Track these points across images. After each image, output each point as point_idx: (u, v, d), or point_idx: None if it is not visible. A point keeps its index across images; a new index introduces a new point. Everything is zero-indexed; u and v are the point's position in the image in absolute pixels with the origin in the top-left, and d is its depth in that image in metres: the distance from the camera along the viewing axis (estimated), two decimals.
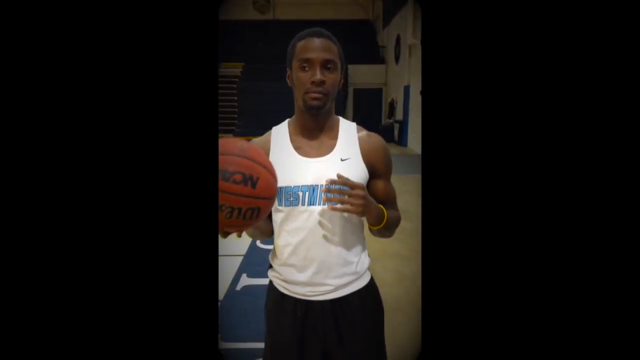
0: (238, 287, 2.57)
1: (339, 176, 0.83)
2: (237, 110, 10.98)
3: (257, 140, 1.00)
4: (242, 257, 3.02)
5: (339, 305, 0.98)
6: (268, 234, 1.02)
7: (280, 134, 0.99)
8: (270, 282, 1.06)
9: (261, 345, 1.08)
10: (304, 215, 0.94)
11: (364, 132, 0.99)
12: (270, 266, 1.06)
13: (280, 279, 1.02)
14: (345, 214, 0.94)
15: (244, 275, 2.72)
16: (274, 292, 1.04)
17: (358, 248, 1.01)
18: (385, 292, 1.07)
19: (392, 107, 11.15)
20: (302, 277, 0.97)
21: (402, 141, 10.02)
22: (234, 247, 3.17)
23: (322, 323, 0.98)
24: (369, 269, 1.05)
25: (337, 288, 0.98)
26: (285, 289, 1.01)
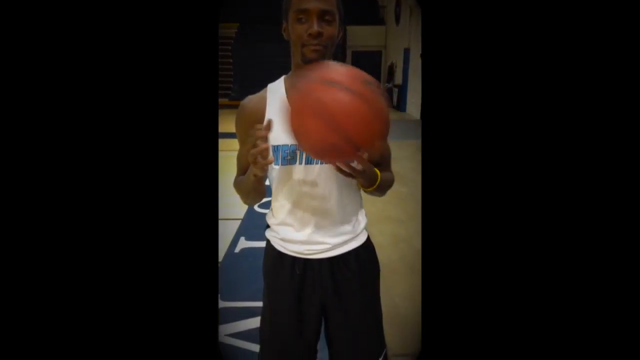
0: (237, 250, 2.63)
1: None
2: (232, 74, 10.77)
3: (252, 97, 0.97)
4: (240, 221, 3.08)
5: (336, 263, 1.00)
6: (262, 194, 1.00)
7: (276, 92, 0.96)
8: (268, 241, 1.07)
9: (260, 304, 1.12)
10: (301, 174, 0.93)
11: None
12: (268, 226, 1.06)
13: (278, 238, 1.02)
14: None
15: (242, 239, 2.77)
16: (271, 251, 1.05)
17: (355, 207, 1.01)
18: (381, 255, 1.10)
19: (391, 71, 10.96)
20: (299, 236, 0.98)
21: (400, 106, 9.92)
22: (232, 211, 3.22)
23: (320, 280, 1.00)
24: (365, 228, 1.06)
25: (334, 247, 0.99)
26: (283, 247, 1.02)
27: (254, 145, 0.76)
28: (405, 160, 4.19)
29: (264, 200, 1.08)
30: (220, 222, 2.83)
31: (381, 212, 3.08)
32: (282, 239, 1.01)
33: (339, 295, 1.01)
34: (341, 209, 0.97)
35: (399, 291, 2.14)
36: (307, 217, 0.96)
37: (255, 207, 3.33)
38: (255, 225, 2.99)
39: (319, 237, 0.97)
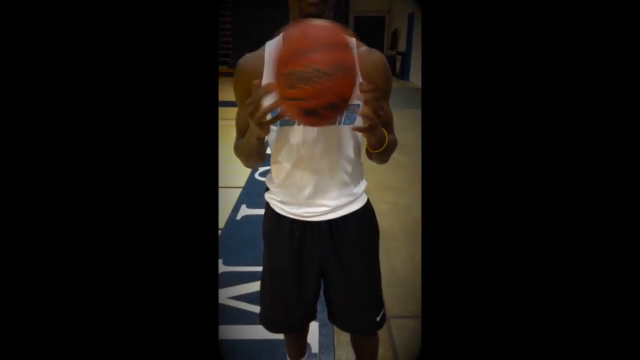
0: (238, 217, 2.67)
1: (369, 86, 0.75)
2: (231, 40, 10.54)
3: (249, 56, 0.94)
4: (240, 189, 3.10)
5: (335, 225, 1.00)
6: (262, 157, 0.98)
7: (275, 50, 0.92)
8: (267, 204, 1.07)
9: (260, 268, 1.14)
10: (300, 135, 0.92)
11: (364, 48, 0.93)
12: (267, 188, 1.06)
13: (277, 200, 1.02)
14: (344, 133, 0.92)
15: (243, 206, 2.81)
16: (271, 213, 1.05)
17: (355, 169, 1.00)
18: (381, 222, 1.11)
19: (394, 37, 10.71)
20: (298, 198, 0.98)
21: (404, 74, 9.76)
22: (233, 179, 3.24)
23: (319, 242, 1.01)
24: (365, 191, 1.06)
25: (333, 209, 0.99)
26: (282, 210, 1.02)
27: (255, 105, 0.75)
28: (407, 129, 4.16)
29: (264, 169, 1.09)
30: (221, 190, 2.86)
31: (382, 181, 3.10)
32: (281, 202, 1.01)
33: (338, 257, 1.02)
34: (341, 171, 0.96)
35: (397, 256, 2.19)
36: (306, 180, 0.96)
37: (256, 176, 3.35)
38: (256, 193, 3.02)
39: (318, 200, 0.97)
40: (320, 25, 0.71)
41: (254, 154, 0.93)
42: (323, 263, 1.04)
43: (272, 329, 1.17)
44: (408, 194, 2.97)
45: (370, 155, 0.94)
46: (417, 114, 5.33)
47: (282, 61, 0.68)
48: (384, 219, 1.11)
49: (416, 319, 1.74)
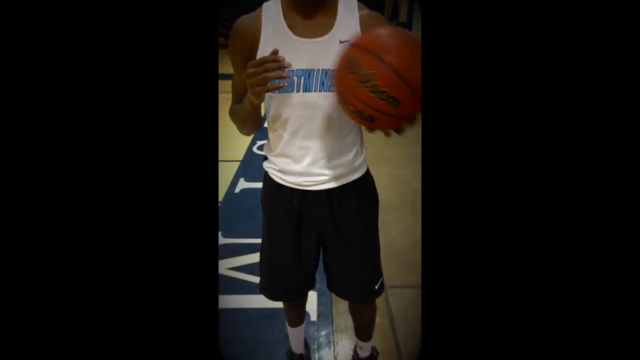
0: (236, 190, 2.68)
1: None
2: (226, 10, 10.29)
3: (245, 17, 0.91)
4: (239, 163, 3.11)
5: (334, 194, 1.00)
6: (258, 124, 0.98)
7: (272, 11, 0.89)
8: (266, 173, 1.06)
9: (259, 240, 1.14)
10: (299, 103, 0.90)
11: (366, 11, 0.90)
12: (266, 157, 1.05)
13: (276, 170, 1.02)
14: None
15: (241, 180, 2.82)
16: (270, 182, 1.05)
17: (354, 138, 0.99)
18: (380, 194, 1.11)
19: (395, 7, 10.47)
20: (297, 167, 0.97)
21: None
22: (231, 152, 3.24)
23: (318, 211, 1.01)
24: (364, 160, 1.05)
25: (332, 178, 0.98)
26: (281, 179, 1.01)
27: (256, 71, 0.73)
28: None
29: (263, 142, 1.08)
30: (220, 163, 2.86)
31: (380, 154, 3.10)
32: (280, 171, 1.00)
33: (337, 226, 1.02)
34: (340, 139, 0.95)
35: (395, 228, 2.21)
36: (305, 148, 0.95)
37: (254, 149, 3.35)
38: (254, 166, 3.03)
39: (317, 169, 0.96)
40: (416, 41, 0.71)
41: (249, 120, 0.92)
42: (322, 232, 1.04)
43: (271, 297, 1.19)
44: (407, 167, 2.97)
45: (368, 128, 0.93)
46: None
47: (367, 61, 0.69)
48: (383, 192, 1.11)
49: (413, 289, 1.78)
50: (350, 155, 0.99)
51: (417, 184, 2.67)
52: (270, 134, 1.00)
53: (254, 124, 0.96)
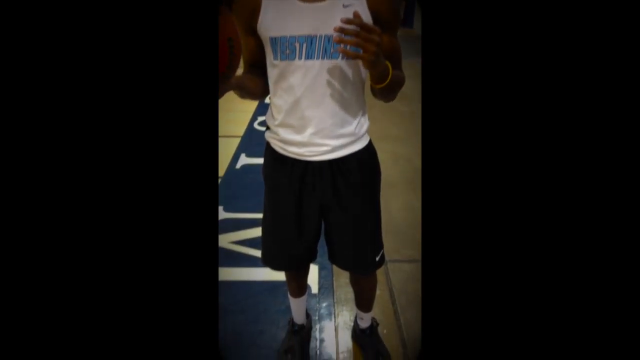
0: (237, 166, 2.70)
1: (355, 15, 0.75)
2: None
3: None
4: (239, 138, 3.11)
5: (336, 165, 0.99)
6: (258, 93, 0.98)
7: None
8: (268, 143, 1.06)
9: (261, 215, 1.16)
10: (301, 70, 0.89)
11: None
12: (268, 127, 1.05)
13: (278, 140, 1.01)
14: (346, 69, 0.90)
15: (242, 155, 2.83)
16: (271, 153, 1.05)
17: (357, 108, 0.98)
18: (381, 171, 1.11)
19: None
20: (299, 137, 0.97)
21: (407, 21, 9.42)
22: (232, 128, 3.24)
23: (320, 182, 1.01)
24: (367, 132, 1.05)
25: (335, 149, 0.98)
26: (283, 149, 1.01)
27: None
28: (409, 79, 4.08)
29: (263, 118, 1.08)
30: (220, 139, 2.86)
31: (382, 131, 3.10)
32: (282, 141, 1.00)
33: (338, 197, 1.03)
34: (343, 108, 0.95)
35: (396, 204, 2.24)
36: (307, 117, 0.94)
37: (255, 125, 3.34)
38: (255, 142, 3.03)
39: (319, 139, 0.96)
40: None
41: (243, 97, 0.93)
42: (323, 203, 1.05)
43: (273, 267, 1.21)
44: (408, 144, 2.98)
45: (374, 92, 0.92)
46: (420, 63, 5.21)
47: None
48: (384, 168, 1.12)
49: (412, 263, 1.82)
50: (353, 126, 0.98)
51: (418, 162, 2.68)
52: (272, 103, 1.00)
53: (253, 94, 0.95)
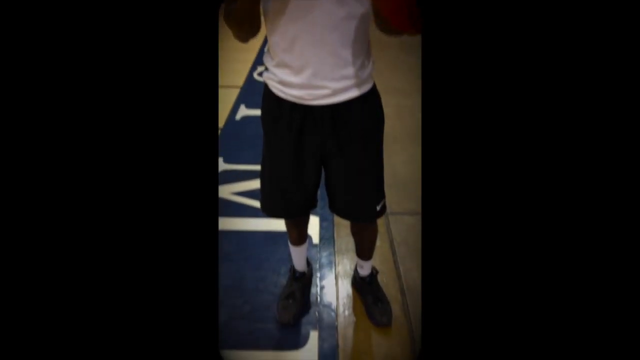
0: (237, 117, 2.69)
1: None
2: None
3: None
4: (239, 89, 3.08)
5: (337, 110, 0.97)
6: (254, 25, 0.92)
7: None
8: (266, 85, 1.03)
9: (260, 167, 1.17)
10: (299, 5, 0.85)
11: None
12: (266, 69, 1.01)
13: (276, 81, 0.98)
14: (349, 2, 0.86)
15: (242, 106, 2.82)
16: (270, 96, 1.02)
17: (360, 47, 0.94)
18: (385, 124, 1.11)
19: None
20: (298, 79, 0.94)
21: None
22: (231, 78, 3.19)
23: (320, 127, 1.00)
24: (371, 75, 1.01)
25: (335, 92, 0.95)
26: (282, 91, 0.98)
27: None
28: None
29: (263, 68, 1.06)
30: (219, 90, 2.84)
31: (387, 83, 3.05)
32: (281, 82, 0.97)
33: (339, 144, 1.02)
34: (345, 48, 0.91)
35: (399, 158, 2.26)
36: (306, 56, 0.91)
37: (255, 75, 3.30)
38: (255, 93, 3.00)
39: (319, 81, 0.93)
40: None
41: (246, 17, 0.87)
42: (324, 149, 1.04)
43: (272, 214, 1.23)
44: (413, 97, 2.95)
45: (379, 24, 0.88)
46: None
47: None
48: (387, 122, 1.12)
49: (413, 215, 1.86)
50: (356, 67, 0.95)
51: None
52: (270, 41, 0.96)
53: (250, 24, 0.90)
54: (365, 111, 1.02)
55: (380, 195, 1.17)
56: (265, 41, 1.01)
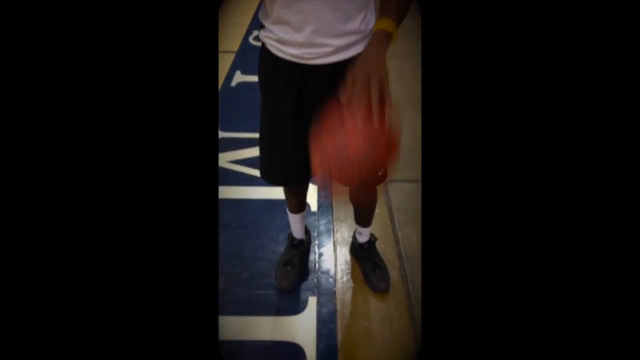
0: (233, 84, 2.66)
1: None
2: None
3: None
4: (234, 54, 3.03)
5: (339, 69, 0.92)
6: None
7: None
8: (263, 44, 1.00)
9: (258, 135, 1.16)
10: None
11: None
12: (262, 26, 0.98)
13: (274, 40, 0.95)
14: None
15: (237, 72, 2.78)
16: (267, 56, 0.98)
17: (362, 1, 0.90)
18: None
19: None
20: (297, 37, 0.90)
21: None
22: (226, 43, 3.14)
23: (321, 88, 0.97)
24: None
25: (338, 50, 0.92)
26: (280, 50, 0.95)
27: None
28: None
29: (257, 33, 1.03)
30: None
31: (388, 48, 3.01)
32: (279, 41, 0.94)
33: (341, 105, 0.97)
34: (345, 2, 0.87)
35: (399, 123, 2.25)
36: (305, 12, 0.87)
37: (250, 40, 3.24)
38: (250, 58, 2.96)
39: (320, 38, 0.90)
40: None
41: None
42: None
43: (271, 181, 1.23)
44: (415, 61, 2.91)
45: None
46: None
47: None
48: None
49: (412, 183, 1.88)
50: (358, 21, 0.91)
51: None
52: None
53: None
54: None
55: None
56: (261, 2, 0.98)
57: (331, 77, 0.96)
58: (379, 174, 1.19)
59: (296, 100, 1.01)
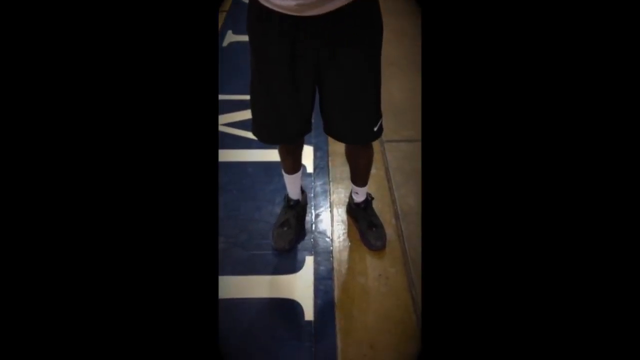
0: (224, 44, 2.65)
1: None
2: None
3: None
4: (225, 13, 2.99)
5: (332, 20, 0.93)
6: None
7: None
8: None
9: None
10: None
11: None
12: None
13: None
14: None
15: (229, 32, 2.76)
16: (257, 9, 0.98)
17: None
18: (383, 48, 1.10)
19: None
20: None
21: None
22: None
23: (313, 41, 0.97)
24: None
25: (325, 0, 0.90)
26: (269, 3, 0.94)
27: None
28: None
29: None
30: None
31: (385, 5, 2.97)
32: None
33: (334, 57, 0.99)
34: None
35: (397, 83, 2.27)
36: None
37: None
38: (242, 18, 2.90)
39: None
40: None
41: None
42: (318, 65, 1.03)
43: (266, 140, 1.26)
44: (412, 19, 2.89)
45: None
46: None
47: None
48: (386, 46, 1.11)
49: (409, 142, 1.92)
50: None
51: None
52: None
53: None
54: (362, 20, 0.99)
55: (378, 115, 1.18)
56: None
57: (324, 28, 0.96)
58: (375, 129, 1.21)
59: (288, 54, 1.01)
